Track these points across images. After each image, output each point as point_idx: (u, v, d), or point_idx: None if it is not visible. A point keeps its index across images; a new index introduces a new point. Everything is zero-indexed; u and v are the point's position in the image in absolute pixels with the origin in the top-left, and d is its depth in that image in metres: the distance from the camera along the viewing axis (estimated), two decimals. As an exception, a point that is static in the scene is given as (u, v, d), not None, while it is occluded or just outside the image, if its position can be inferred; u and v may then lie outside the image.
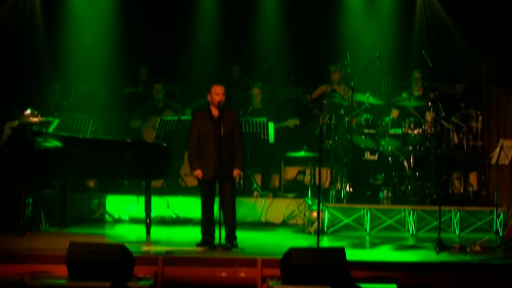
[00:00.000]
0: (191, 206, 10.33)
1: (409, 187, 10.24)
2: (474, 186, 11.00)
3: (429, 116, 10.40)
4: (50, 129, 9.85)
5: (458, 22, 11.64)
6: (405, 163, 10.26)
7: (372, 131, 10.37)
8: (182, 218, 10.39)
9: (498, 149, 9.25)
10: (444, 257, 8.39)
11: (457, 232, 9.82)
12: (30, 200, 9.40)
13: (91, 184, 10.95)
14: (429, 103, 10.43)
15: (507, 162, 9.19)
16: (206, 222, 8.72)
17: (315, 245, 8.43)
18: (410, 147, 10.36)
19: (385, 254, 8.65)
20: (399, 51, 12.19)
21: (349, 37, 12.30)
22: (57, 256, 7.69)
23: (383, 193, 9.93)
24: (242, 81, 12.48)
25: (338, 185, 10.38)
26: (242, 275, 7.84)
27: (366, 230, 9.83)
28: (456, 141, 10.58)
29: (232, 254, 8.35)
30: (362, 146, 10.42)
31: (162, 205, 10.39)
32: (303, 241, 9.05)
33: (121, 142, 9.90)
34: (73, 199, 10.31)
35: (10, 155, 9.16)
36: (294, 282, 7.31)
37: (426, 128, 10.25)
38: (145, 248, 8.63)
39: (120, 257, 7.34)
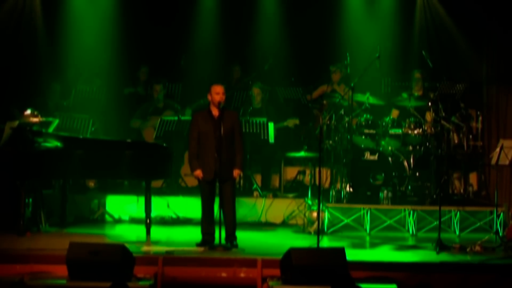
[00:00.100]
0: (191, 206, 10.33)
1: (409, 187, 10.24)
2: (474, 186, 11.00)
3: (429, 116, 10.40)
4: (50, 129, 9.86)
5: (458, 22, 11.64)
6: (405, 163, 10.26)
7: (372, 131, 10.37)
8: (182, 218, 10.40)
9: (498, 149, 9.25)
10: (444, 257, 8.39)
11: (457, 232, 9.82)
12: (30, 200, 9.40)
13: (91, 184, 10.95)
14: (429, 103, 10.43)
15: (507, 162, 9.19)
16: (206, 222, 8.72)
17: (315, 245, 8.42)
18: (410, 147, 10.36)
19: (385, 254, 8.65)
20: (399, 51, 12.20)
21: (349, 37, 12.30)
22: (57, 256, 7.69)
23: (383, 193, 9.93)
24: (242, 81, 12.48)
25: (338, 185, 10.38)
26: (242, 275, 7.84)
27: (366, 230, 9.83)
28: (456, 141, 10.58)
29: (232, 254, 8.35)
30: (362, 146, 10.43)
31: (162, 205, 10.39)
32: (303, 241, 9.05)
33: (121, 142, 9.90)
34: (73, 199, 10.31)
35: (10, 155, 9.16)
36: (294, 282, 7.31)
37: (426, 128, 10.26)
38: (145, 248, 8.63)
39: (120, 257, 7.34)
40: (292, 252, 7.40)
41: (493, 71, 11.06)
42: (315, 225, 9.12)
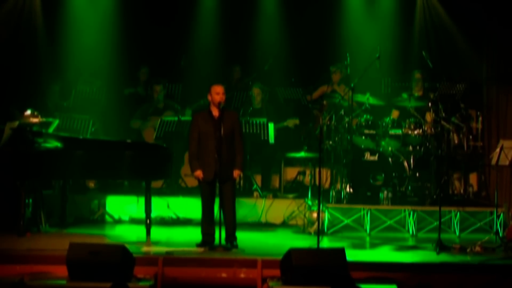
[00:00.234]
0: (191, 207, 10.34)
1: (409, 187, 10.24)
2: (474, 186, 10.99)
3: (429, 116, 10.39)
4: (50, 130, 9.86)
5: (458, 23, 11.64)
6: (405, 164, 10.26)
7: (372, 131, 10.37)
8: (182, 218, 10.40)
9: (498, 150, 9.24)
10: (444, 257, 8.39)
11: (457, 233, 9.82)
12: (30, 200, 9.40)
13: (91, 184, 10.95)
14: (429, 104, 10.42)
15: (507, 162, 9.19)
16: (206, 223, 8.72)
17: (315, 246, 8.42)
18: (410, 148, 10.36)
19: (385, 254, 8.65)
20: (399, 52, 12.19)
21: (349, 37, 12.30)
22: (57, 256, 7.68)
23: (383, 194, 9.93)
24: (243, 81, 12.48)
25: (338, 186, 10.39)
26: (242, 275, 7.84)
27: (366, 230, 9.83)
28: (456, 142, 10.58)
29: (232, 254, 8.36)
30: (362, 146, 10.42)
31: (162, 206, 10.39)
32: (303, 242, 9.05)
33: (121, 142, 9.89)
34: (73, 199, 10.31)
35: (10, 155, 9.16)
36: (294, 283, 7.31)
37: (426, 128, 10.25)
38: (145, 248, 8.63)
39: (120, 258, 7.34)
40: (292, 253, 7.40)
41: (493, 71, 11.06)
42: (315, 226, 9.12)
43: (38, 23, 12.08)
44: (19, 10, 11.87)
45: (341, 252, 7.56)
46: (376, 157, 10.24)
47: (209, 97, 8.65)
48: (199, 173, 8.60)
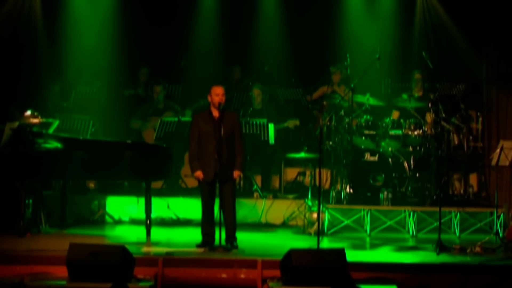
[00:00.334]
0: (191, 207, 10.33)
1: (409, 188, 10.24)
2: (474, 187, 10.99)
3: (429, 117, 10.39)
4: (51, 130, 9.86)
5: (458, 23, 11.64)
6: (405, 164, 10.26)
7: (372, 132, 10.37)
8: (182, 219, 10.39)
9: (498, 150, 9.24)
10: (444, 258, 8.39)
11: (457, 233, 9.82)
12: (30, 201, 9.40)
13: (91, 185, 10.94)
14: (429, 104, 10.43)
15: (507, 163, 9.19)
16: (206, 223, 8.72)
17: (315, 246, 8.43)
18: (410, 148, 10.37)
19: (385, 255, 8.65)
20: (399, 52, 12.19)
21: (349, 38, 12.30)
22: (57, 257, 7.68)
23: (383, 194, 9.92)
24: (243, 82, 12.48)
25: (338, 186, 10.39)
26: (242, 276, 7.84)
27: (366, 231, 9.83)
28: (456, 142, 10.58)
29: (232, 255, 8.35)
30: (362, 147, 10.42)
31: (162, 206, 10.39)
32: (303, 242, 9.05)
33: (121, 143, 9.90)
34: (73, 200, 10.30)
35: (10, 156, 9.16)
36: (294, 283, 7.31)
37: (426, 129, 10.25)
38: (145, 249, 8.63)
39: (120, 258, 7.34)
40: (292, 253, 7.40)
41: (493, 72, 11.06)
42: (315, 226, 9.12)
43: (38, 23, 12.07)
44: (19, 11, 11.86)
45: (341, 252, 7.56)
46: (376, 158, 10.23)
47: (209, 98, 8.65)
48: (199, 173, 8.60)
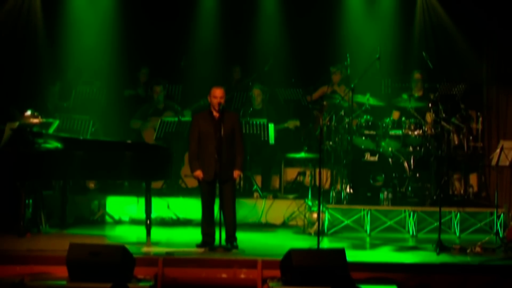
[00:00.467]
0: (191, 207, 10.33)
1: (409, 188, 10.24)
2: (474, 187, 10.99)
3: (429, 117, 10.39)
4: (51, 130, 9.86)
5: (458, 23, 11.64)
6: (405, 164, 10.26)
7: (372, 132, 10.37)
8: (182, 219, 10.39)
9: (498, 150, 9.23)
10: (444, 258, 8.39)
11: (457, 233, 9.82)
12: (30, 201, 9.39)
13: (91, 185, 10.94)
14: (429, 104, 10.43)
15: (507, 163, 9.19)
16: (206, 223, 8.72)
17: (315, 246, 8.43)
18: (410, 148, 10.37)
19: (385, 255, 8.65)
20: (399, 52, 12.19)
21: (349, 38, 12.30)
22: (57, 257, 7.68)
23: (383, 194, 9.92)
24: (243, 82, 12.48)
25: (338, 186, 10.39)
26: (242, 276, 7.84)
27: (366, 231, 9.83)
28: (456, 142, 10.58)
29: (232, 255, 8.35)
30: (362, 147, 10.42)
31: (162, 206, 10.39)
32: (303, 242, 9.05)
33: (121, 143, 9.90)
34: (73, 200, 10.30)
35: (10, 156, 9.16)
36: (294, 283, 7.31)
37: (426, 129, 10.25)
38: (145, 249, 8.63)
39: (120, 258, 7.34)
40: (292, 253, 7.40)
41: (493, 72, 11.06)
42: (315, 226, 9.12)
43: (38, 23, 12.07)
44: (19, 10, 11.86)
45: (341, 252, 7.56)
46: (376, 158, 10.23)
47: (209, 99, 8.65)
48: (198, 173, 8.60)
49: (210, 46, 12.64)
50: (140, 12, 12.41)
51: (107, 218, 10.48)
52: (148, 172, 9.31)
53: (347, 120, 10.40)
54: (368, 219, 9.83)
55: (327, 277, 7.17)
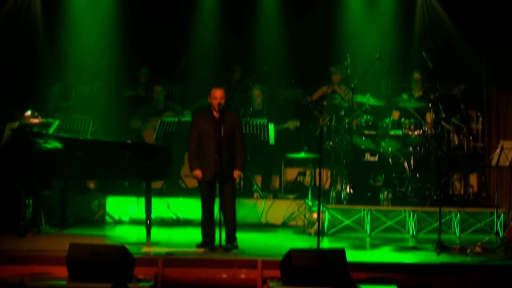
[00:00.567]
0: (191, 207, 10.33)
1: (410, 188, 10.24)
2: (474, 187, 10.99)
3: (429, 117, 10.39)
4: (51, 131, 9.86)
5: (458, 23, 11.64)
6: (405, 164, 10.26)
7: (372, 132, 10.37)
8: (182, 219, 10.39)
9: (498, 150, 9.23)
10: (444, 258, 8.39)
11: (458, 233, 9.82)
12: (30, 201, 9.39)
13: (91, 185, 10.95)
14: (429, 104, 10.43)
15: (507, 163, 9.18)
16: (206, 223, 8.72)
17: (316, 246, 8.43)
18: (411, 148, 10.37)
19: (386, 255, 8.65)
20: (399, 52, 12.19)
21: (349, 38, 12.30)
22: (57, 257, 7.68)
23: (383, 194, 9.92)
24: (243, 82, 12.48)
25: (339, 186, 10.39)
26: (242, 276, 7.84)
27: (366, 231, 9.83)
28: (456, 142, 10.58)
29: (233, 255, 8.35)
30: (363, 147, 10.43)
31: (162, 206, 10.39)
32: (304, 242, 9.05)
33: (121, 143, 9.90)
34: (73, 200, 10.30)
35: (10, 156, 9.16)
36: (294, 283, 7.31)
37: (426, 129, 10.25)
38: (145, 249, 8.63)
39: (120, 258, 7.34)
40: (293, 253, 7.40)
41: (493, 72, 11.06)
42: (315, 226, 9.12)
43: (38, 23, 12.06)
44: (19, 11, 11.85)
45: (341, 252, 7.56)
46: (376, 158, 10.23)
47: (209, 100, 8.65)
48: (198, 172, 8.60)
49: (210, 46, 12.64)
50: (140, 12, 12.41)
51: (107, 218, 10.48)
52: (148, 172, 9.31)
53: (347, 120, 10.40)
54: (368, 219, 9.83)
55: (327, 277, 7.17)
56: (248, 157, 10.72)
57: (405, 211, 9.96)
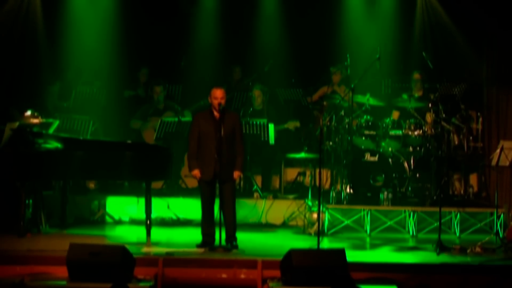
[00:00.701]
0: (191, 208, 10.33)
1: (410, 188, 10.24)
2: (474, 187, 10.99)
3: (429, 117, 10.39)
4: (51, 131, 9.86)
5: (458, 23, 11.63)
6: (405, 165, 10.26)
7: (372, 132, 10.37)
8: (182, 219, 10.39)
9: (498, 151, 9.23)
10: (444, 258, 8.39)
11: (458, 234, 9.82)
12: (30, 201, 9.39)
13: (91, 185, 10.95)
14: (430, 104, 10.43)
15: (507, 163, 9.18)
16: (206, 223, 8.72)
17: (316, 246, 8.43)
18: (411, 149, 10.37)
19: (386, 255, 8.65)
20: (399, 52, 12.19)
21: (349, 38, 12.30)
22: (57, 257, 7.68)
23: (383, 194, 9.92)
24: (243, 82, 12.48)
25: (339, 187, 10.39)
26: (242, 276, 7.84)
27: (366, 231, 9.83)
28: (456, 143, 10.58)
29: (233, 255, 8.35)
30: (363, 147, 10.43)
31: (162, 207, 10.39)
32: (304, 242, 9.05)
33: (121, 143, 9.90)
34: (74, 200, 10.31)
35: (10, 156, 9.16)
36: (294, 283, 7.31)
37: (426, 129, 10.25)
38: (145, 249, 8.63)
39: (120, 259, 7.34)
40: (293, 253, 7.40)
41: (493, 72, 11.06)
42: (315, 226, 9.12)
43: (38, 23, 12.06)
44: (19, 11, 11.85)
45: (341, 252, 7.56)
46: (376, 158, 10.24)
47: (210, 100, 8.65)
48: (196, 172, 8.60)
49: (210, 46, 12.64)
50: (140, 12, 12.41)
51: (107, 218, 10.48)
52: (148, 172, 9.31)
53: (347, 120, 10.40)
54: (368, 219, 9.83)
55: (327, 277, 7.17)
56: (248, 157, 10.73)
57: (405, 211, 9.96)
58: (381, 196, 9.95)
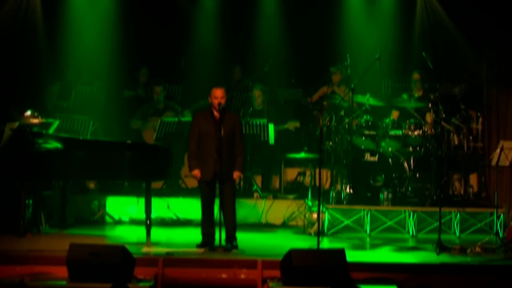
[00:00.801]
0: (191, 208, 10.33)
1: (409, 188, 10.24)
2: (474, 187, 10.99)
3: (429, 117, 10.39)
4: (51, 131, 9.86)
5: (458, 23, 11.64)
6: (405, 165, 10.26)
7: (372, 132, 10.37)
8: (182, 219, 10.39)
9: (498, 151, 9.23)
10: (444, 258, 8.39)
11: (458, 234, 9.82)
12: (30, 201, 9.39)
13: (91, 185, 10.95)
14: (430, 105, 10.43)
15: (507, 163, 9.18)
16: (206, 224, 8.72)
17: (316, 247, 8.43)
18: (410, 149, 10.37)
19: (385, 255, 8.65)
20: (399, 53, 12.19)
21: (349, 38, 12.30)
22: (57, 257, 7.68)
23: (383, 195, 9.92)
24: (243, 82, 12.48)
25: (338, 187, 10.39)
26: (242, 276, 7.84)
27: (366, 231, 9.83)
28: (456, 143, 10.58)
29: (232, 255, 8.35)
30: (362, 147, 10.42)
31: (162, 207, 10.39)
32: (304, 243, 9.05)
33: (121, 143, 9.89)
34: (73, 200, 10.31)
35: (10, 156, 9.16)
36: (294, 284, 7.31)
37: (426, 129, 10.25)
38: (145, 249, 8.63)
39: (120, 259, 7.34)
40: (292, 253, 7.40)
41: (493, 72, 11.06)
42: (315, 226, 9.12)
43: (38, 23, 12.06)
44: (19, 11, 11.85)
45: (341, 252, 7.56)
46: (376, 158, 10.24)
47: (210, 99, 8.65)
48: (196, 172, 8.60)
49: (210, 46, 12.64)
50: (140, 12, 12.41)
51: (107, 218, 10.48)
52: (148, 172, 9.31)
53: (347, 120, 10.40)
54: (368, 219, 9.83)
55: (327, 277, 7.16)
56: (248, 157, 10.73)
57: (405, 211, 9.96)
58: (381, 196, 9.95)
